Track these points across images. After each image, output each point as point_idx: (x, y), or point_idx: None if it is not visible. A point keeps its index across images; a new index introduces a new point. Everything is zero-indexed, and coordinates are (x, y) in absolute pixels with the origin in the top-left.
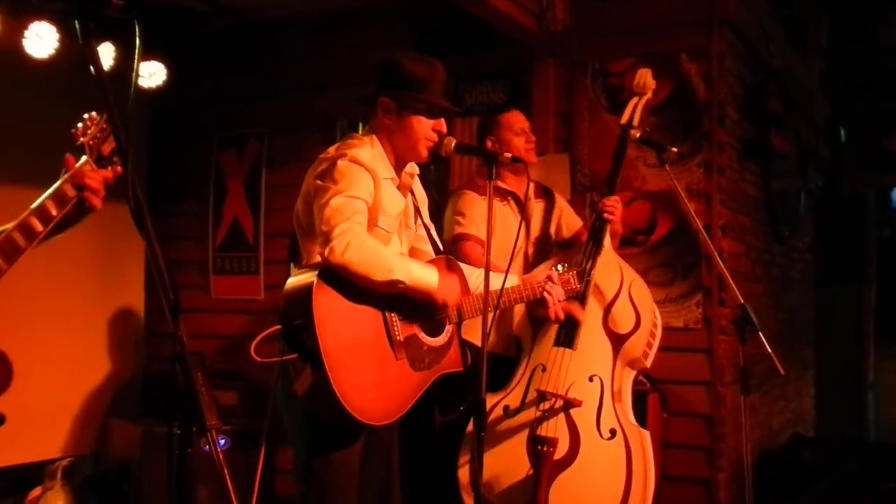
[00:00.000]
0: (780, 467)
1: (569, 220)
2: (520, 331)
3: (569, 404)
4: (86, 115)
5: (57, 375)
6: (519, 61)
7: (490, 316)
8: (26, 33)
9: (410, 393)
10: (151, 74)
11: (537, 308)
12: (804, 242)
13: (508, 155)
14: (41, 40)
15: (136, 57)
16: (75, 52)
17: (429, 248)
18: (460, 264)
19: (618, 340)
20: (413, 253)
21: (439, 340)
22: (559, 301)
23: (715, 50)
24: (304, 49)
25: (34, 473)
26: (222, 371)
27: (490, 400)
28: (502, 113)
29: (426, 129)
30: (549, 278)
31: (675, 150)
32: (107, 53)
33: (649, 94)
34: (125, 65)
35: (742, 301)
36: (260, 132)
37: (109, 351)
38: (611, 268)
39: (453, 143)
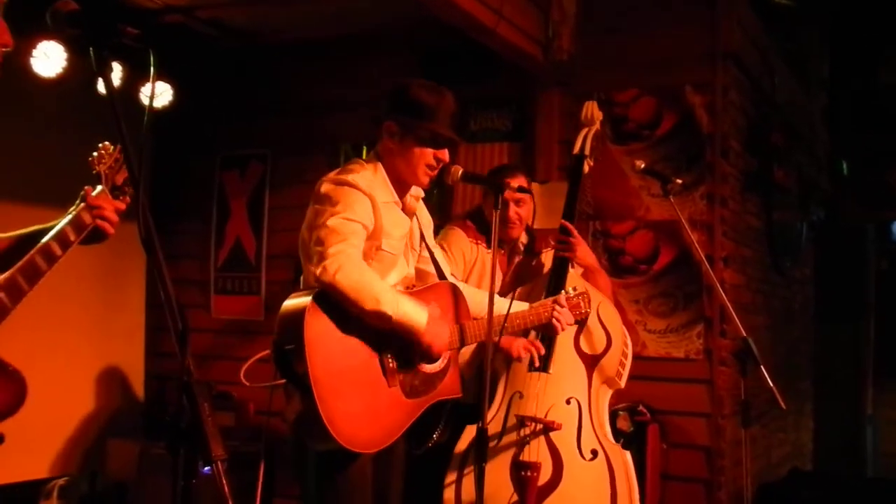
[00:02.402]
0: (779, 502)
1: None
2: (494, 360)
3: (548, 428)
4: (100, 145)
5: (55, 393)
6: (524, 89)
7: (495, 340)
8: (34, 52)
9: (402, 420)
10: (158, 95)
11: (547, 332)
12: (805, 275)
13: (515, 185)
14: (48, 59)
15: (151, 85)
16: (82, 71)
17: (433, 269)
18: (465, 287)
19: (591, 362)
20: (419, 274)
21: (435, 367)
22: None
23: (719, 83)
24: (310, 72)
25: (30, 492)
26: (220, 392)
27: (470, 430)
28: (507, 177)
29: (428, 157)
30: (557, 301)
31: (679, 181)
32: (114, 73)
33: (597, 125)
34: (131, 84)
35: (744, 333)
36: (263, 153)
37: (109, 369)
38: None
39: (460, 172)
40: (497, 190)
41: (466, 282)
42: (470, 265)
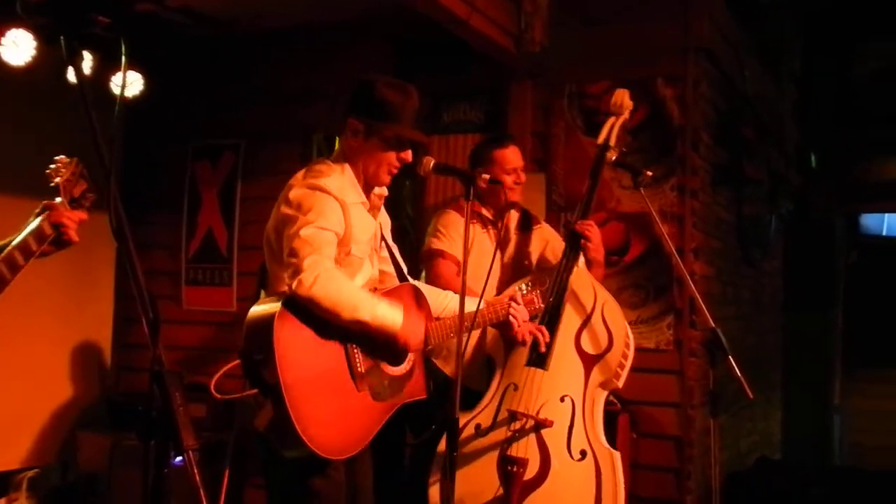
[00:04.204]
0: (747, 491)
1: (555, 249)
2: (492, 349)
3: (540, 425)
4: (57, 158)
5: (22, 383)
6: (497, 81)
7: (462, 338)
8: (3, 41)
9: (372, 424)
10: (129, 84)
11: (504, 330)
12: (774, 266)
13: (486, 177)
14: (18, 48)
15: (123, 74)
16: (52, 60)
17: (392, 270)
18: (424, 287)
19: (590, 361)
20: (379, 275)
21: (401, 370)
22: (525, 322)
23: (690, 75)
24: (282, 62)
25: None
26: (191, 383)
27: (462, 419)
28: (498, 148)
29: (391, 158)
30: (513, 299)
31: (649, 173)
32: (85, 63)
33: (626, 115)
34: (102, 73)
35: (713, 324)
36: (235, 143)
37: (77, 360)
38: (584, 288)
39: (431, 163)
40: (469, 182)
41: (467, 262)
42: (469, 246)
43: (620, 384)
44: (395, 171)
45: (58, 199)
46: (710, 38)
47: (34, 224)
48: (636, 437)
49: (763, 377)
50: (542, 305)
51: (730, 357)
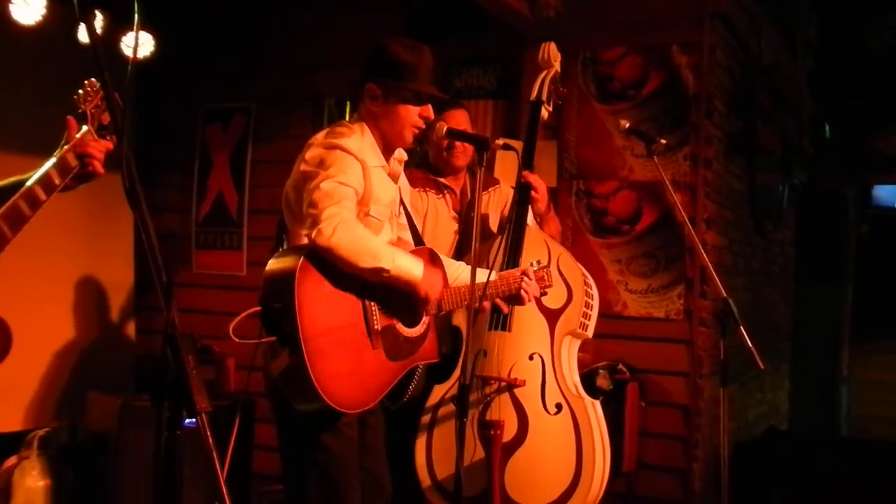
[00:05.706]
0: (754, 460)
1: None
2: (458, 321)
3: (511, 385)
4: (86, 82)
5: (37, 344)
6: (510, 46)
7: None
8: None
9: (384, 382)
10: (140, 45)
11: (514, 303)
12: (786, 237)
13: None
14: (28, 6)
15: (135, 34)
16: (62, 18)
17: (409, 237)
18: (441, 256)
19: (553, 316)
20: (397, 241)
21: (416, 331)
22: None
23: (706, 43)
24: (295, 27)
25: (10, 443)
26: (201, 346)
27: (438, 392)
28: (443, 111)
29: (412, 116)
30: (525, 273)
31: (663, 141)
32: (96, 21)
33: (556, 67)
34: (112, 34)
35: (725, 294)
36: (247, 107)
37: (93, 322)
38: (538, 245)
39: (444, 129)
40: (482, 147)
41: (423, 231)
42: (423, 215)
43: (590, 334)
44: (417, 130)
45: (84, 128)
46: (726, 4)
47: (58, 155)
48: (645, 405)
49: (772, 348)
50: (551, 283)
51: (741, 327)
